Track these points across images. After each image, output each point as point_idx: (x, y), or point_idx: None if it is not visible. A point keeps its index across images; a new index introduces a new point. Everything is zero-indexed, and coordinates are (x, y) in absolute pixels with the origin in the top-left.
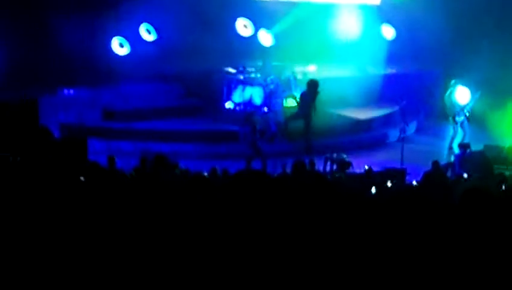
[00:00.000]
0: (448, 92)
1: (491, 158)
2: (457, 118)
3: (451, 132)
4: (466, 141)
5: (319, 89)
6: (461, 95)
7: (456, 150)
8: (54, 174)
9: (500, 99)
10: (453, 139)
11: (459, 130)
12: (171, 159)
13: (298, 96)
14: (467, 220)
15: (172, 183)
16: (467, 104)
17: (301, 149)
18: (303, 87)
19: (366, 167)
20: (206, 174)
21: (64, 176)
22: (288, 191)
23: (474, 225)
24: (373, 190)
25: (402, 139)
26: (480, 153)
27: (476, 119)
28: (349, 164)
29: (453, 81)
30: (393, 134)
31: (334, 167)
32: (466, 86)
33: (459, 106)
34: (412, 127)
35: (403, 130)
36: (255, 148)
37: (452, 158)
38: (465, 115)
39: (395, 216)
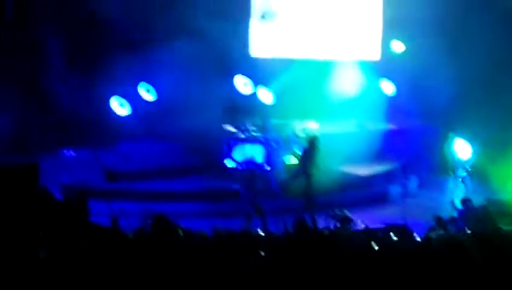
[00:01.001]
0: (446, 146)
1: (494, 212)
2: (457, 172)
3: (451, 186)
4: (468, 195)
5: (319, 144)
6: (460, 149)
7: (458, 205)
8: (55, 236)
9: (501, 152)
10: (453, 194)
11: (460, 184)
12: (172, 220)
13: (299, 153)
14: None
15: (175, 245)
16: (468, 158)
17: (302, 206)
18: (304, 145)
19: (362, 225)
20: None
21: (66, 237)
22: (291, 251)
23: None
24: (374, 246)
25: (404, 195)
26: (483, 208)
27: (477, 173)
28: (351, 220)
29: (450, 134)
30: (395, 190)
31: (337, 223)
32: (466, 139)
33: (459, 160)
34: (413, 183)
35: (404, 186)
36: (255, 206)
37: (454, 213)
38: (467, 170)
39: (399, 273)
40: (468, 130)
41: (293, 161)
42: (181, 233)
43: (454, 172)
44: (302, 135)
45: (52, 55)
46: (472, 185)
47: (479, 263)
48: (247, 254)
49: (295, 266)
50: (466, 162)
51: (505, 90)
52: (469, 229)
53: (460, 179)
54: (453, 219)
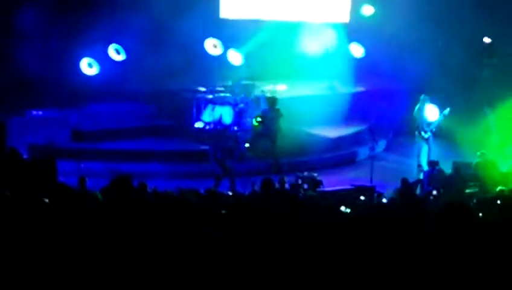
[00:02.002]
0: (417, 108)
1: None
2: (423, 134)
3: (417, 147)
4: (432, 156)
5: (279, 106)
6: (430, 112)
7: (425, 167)
8: (23, 196)
9: (469, 115)
10: (419, 156)
11: (425, 145)
12: (140, 180)
13: (261, 115)
14: (446, 234)
15: (141, 203)
16: (435, 121)
17: (269, 167)
18: (265, 106)
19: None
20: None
21: (33, 197)
22: (257, 210)
23: (454, 240)
24: (343, 208)
25: (371, 157)
26: (453, 171)
27: (445, 136)
28: (320, 183)
29: (422, 97)
30: (363, 152)
31: (305, 185)
32: (435, 103)
33: (427, 122)
34: (381, 145)
35: (372, 148)
36: (224, 167)
37: (421, 175)
38: (431, 131)
39: (366, 234)
40: (438, 95)
41: (258, 122)
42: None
43: (419, 132)
44: (271, 96)
45: (18, 16)
46: (440, 147)
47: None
48: (211, 214)
49: (262, 227)
50: (432, 123)
51: (476, 59)
52: (435, 190)
53: (425, 140)
54: (419, 180)
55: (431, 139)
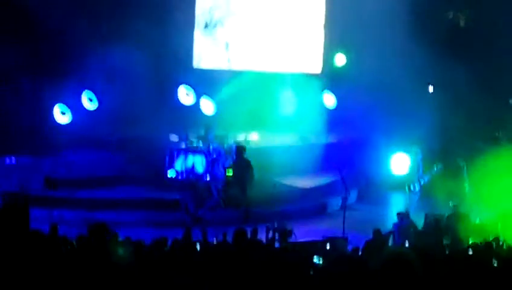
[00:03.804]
0: (413, 163)
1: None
2: (412, 187)
3: (407, 200)
4: (412, 209)
5: (248, 154)
6: (399, 163)
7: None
8: None
9: (443, 167)
10: (409, 208)
11: (414, 198)
12: (111, 228)
13: (232, 164)
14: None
15: (115, 252)
16: (425, 175)
17: (241, 217)
18: (235, 155)
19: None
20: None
21: (5, 244)
22: (228, 260)
23: None
24: (315, 259)
25: (344, 208)
26: (433, 222)
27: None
28: (291, 232)
29: (413, 150)
30: (335, 202)
31: (276, 235)
32: (407, 153)
33: (417, 175)
34: (353, 195)
35: (345, 198)
36: (195, 216)
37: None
38: (420, 185)
39: (336, 285)
40: (408, 144)
41: (230, 171)
42: (119, 241)
43: (408, 186)
44: (238, 145)
45: None
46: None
47: (419, 276)
48: (183, 262)
49: (232, 276)
50: (422, 177)
51: (447, 104)
52: (409, 242)
53: (413, 193)
54: (391, 232)
55: (418, 192)
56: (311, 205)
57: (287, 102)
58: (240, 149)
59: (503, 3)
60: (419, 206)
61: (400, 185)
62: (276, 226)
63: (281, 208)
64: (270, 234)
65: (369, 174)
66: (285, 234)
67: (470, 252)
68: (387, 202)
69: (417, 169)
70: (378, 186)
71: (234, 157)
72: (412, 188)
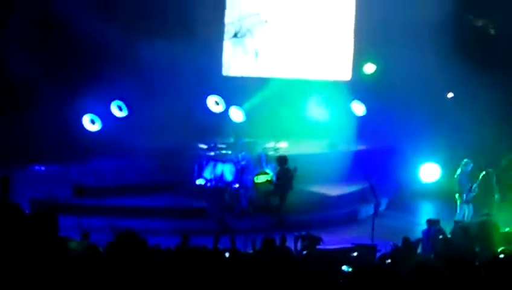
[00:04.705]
0: (458, 171)
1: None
2: (464, 197)
3: (459, 210)
4: (455, 217)
5: (289, 165)
6: (429, 172)
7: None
8: (26, 251)
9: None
10: (463, 218)
11: (466, 208)
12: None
13: (270, 173)
14: None
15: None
16: (475, 183)
17: (272, 224)
18: (276, 164)
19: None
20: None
21: (36, 252)
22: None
23: None
24: (344, 268)
25: (373, 215)
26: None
27: (448, 195)
28: (320, 239)
29: (464, 161)
30: (365, 210)
31: (304, 243)
32: (435, 161)
33: (468, 185)
34: (383, 203)
35: (374, 206)
36: (223, 224)
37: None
38: (470, 195)
39: None
40: (437, 153)
41: (263, 179)
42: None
43: (460, 195)
44: (272, 154)
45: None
46: (440, 207)
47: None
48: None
49: (262, 285)
50: (473, 185)
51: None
52: (436, 250)
53: (465, 202)
54: (419, 239)
55: (471, 202)
56: (340, 212)
57: (316, 109)
58: (282, 159)
59: None
60: (446, 213)
61: (430, 193)
62: (304, 233)
63: (310, 216)
64: (299, 242)
65: (399, 182)
66: (314, 241)
67: (500, 259)
68: (418, 210)
69: (467, 180)
70: (408, 194)
71: (276, 166)
72: (464, 198)
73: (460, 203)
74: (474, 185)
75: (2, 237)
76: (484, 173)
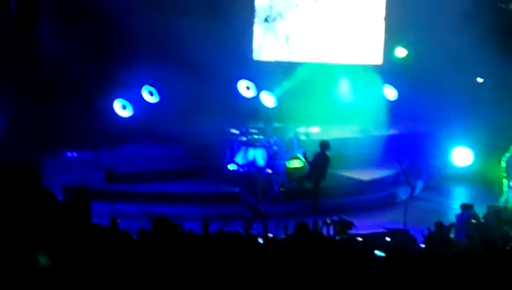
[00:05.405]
0: (508, 155)
1: (496, 219)
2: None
3: (506, 194)
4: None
5: (330, 150)
6: (461, 156)
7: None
8: (59, 237)
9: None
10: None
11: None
12: (174, 222)
13: (302, 157)
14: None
15: (177, 245)
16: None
17: (305, 209)
18: (305, 148)
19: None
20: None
21: (68, 238)
22: (291, 253)
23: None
24: (377, 252)
25: (406, 200)
26: (491, 215)
27: (480, 179)
28: (352, 224)
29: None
30: (397, 195)
31: (336, 228)
32: (467, 145)
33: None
34: (418, 187)
35: (408, 191)
36: (255, 209)
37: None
38: None
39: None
40: (469, 137)
41: (295, 164)
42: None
43: (509, 181)
44: (304, 139)
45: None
46: (473, 190)
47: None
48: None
49: (296, 270)
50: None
51: (508, 96)
52: (469, 234)
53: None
54: (452, 224)
55: None
56: (374, 197)
57: (348, 94)
58: (325, 143)
59: None
60: (479, 196)
61: (464, 177)
62: (336, 218)
63: (343, 201)
64: (332, 227)
65: (432, 166)
66: (346, 226)
67: None
68: (452, 194)
69: None
70: (443, 177)
71: (317, 151)
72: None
73: (507, 186)
74: None
75: (36, 224)
76: None
